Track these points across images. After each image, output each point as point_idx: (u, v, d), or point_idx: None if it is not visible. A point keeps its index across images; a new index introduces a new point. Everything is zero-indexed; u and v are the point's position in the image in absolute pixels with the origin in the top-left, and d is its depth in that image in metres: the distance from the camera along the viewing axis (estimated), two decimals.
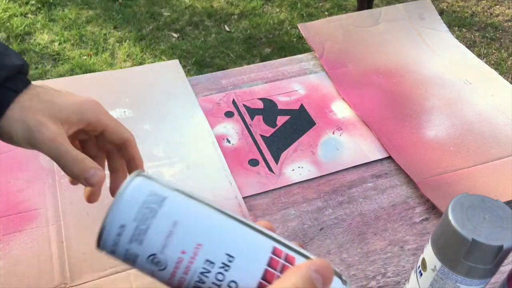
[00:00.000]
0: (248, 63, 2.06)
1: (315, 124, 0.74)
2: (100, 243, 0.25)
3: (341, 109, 0.76)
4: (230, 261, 0.24)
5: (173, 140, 0.69)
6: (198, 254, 0.24)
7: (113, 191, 0.49)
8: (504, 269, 0.54)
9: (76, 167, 0.42)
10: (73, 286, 0.51)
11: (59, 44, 2.15)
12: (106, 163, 0.50)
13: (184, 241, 0.24)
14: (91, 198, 0.47)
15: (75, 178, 0.43)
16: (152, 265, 0.25)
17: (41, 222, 0.57)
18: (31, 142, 0.42)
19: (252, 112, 0.75)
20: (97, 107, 0.46)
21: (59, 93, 0.45)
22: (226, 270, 0.24)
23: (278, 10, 2.46)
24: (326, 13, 2.45)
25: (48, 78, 1.93)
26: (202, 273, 0.24)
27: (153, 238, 0.24)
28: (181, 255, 0.24)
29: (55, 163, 0.65)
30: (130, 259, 0.25)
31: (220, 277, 0.24)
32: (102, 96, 0.75)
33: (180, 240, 0.24)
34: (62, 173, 0.63)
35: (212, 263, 0.24)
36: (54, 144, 0.42)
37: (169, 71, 0.81)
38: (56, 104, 0.43)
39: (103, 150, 0.49)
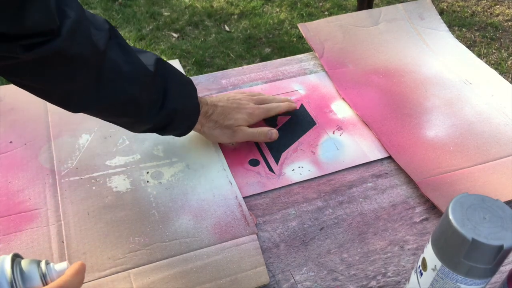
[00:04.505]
0: (248, 63, 2.06)
1: (315, 124, 0.74)
2: None
3: (341, 109, 0.76)
4: None
5: (173, 140, 0.69)
6: None
7: None
8: (504, 269, 0.54)
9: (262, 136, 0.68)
10: None
11: None
12: None
13: None
14: None
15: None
16: None
17: (41, 222, 0.57)
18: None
19: None
20: None
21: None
22: None
23: (278, 10, 2.46)
24: (326, 13, 2.45)
25: None
26: None
27: None
28: None
29: (55, 163, 0.65)
30: None
31: None
32: None
33: None
34: (63, 172, 0.63)
35: None
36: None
37: None
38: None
39: None
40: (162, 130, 0.62)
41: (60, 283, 0.39)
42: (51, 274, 0.41)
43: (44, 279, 0.40)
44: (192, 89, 0.63)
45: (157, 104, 0.58)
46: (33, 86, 0.52)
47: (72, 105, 0.55)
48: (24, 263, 0.40)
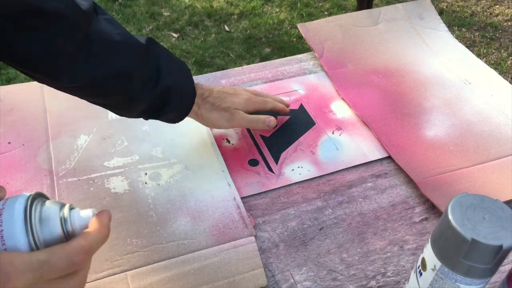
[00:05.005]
0: (248, 63, 2.06)
1: (315, 124, 0.73)
2: None
3: (340, 109, 0.76)
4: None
5: (172, 141, 0.69)
6: None
7: None
8: (504, 269, 0.54)
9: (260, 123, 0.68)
10: None
11: None
12: None
13: None
14: None
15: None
16: None
17: None
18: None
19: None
20: None
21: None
22: None
23: (278, 10, 2.46)
24: (326, 13, 2.45)
25: None
26: None
27: None
28: None
29: (53, 164, 0.65)
30: None
31: None
32: None
33: None
34: (61, 173, 0.63)
35: None
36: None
37: None
38: None
39: None
40: (158, 111, 0.60)
41: (82, 243, 0.35)
42: (73, 220, 0.36)
43: (65, 224, 0.36)
44: (186, 68, 0.62)
45: (151, 81, 0.57)
46: (17, 52, 0.49)
47: (63, 76, 0.52)
48: (46, 204, 0.36)
